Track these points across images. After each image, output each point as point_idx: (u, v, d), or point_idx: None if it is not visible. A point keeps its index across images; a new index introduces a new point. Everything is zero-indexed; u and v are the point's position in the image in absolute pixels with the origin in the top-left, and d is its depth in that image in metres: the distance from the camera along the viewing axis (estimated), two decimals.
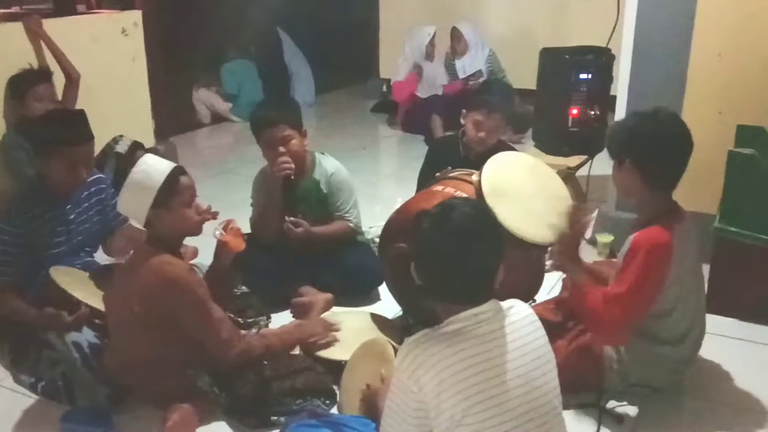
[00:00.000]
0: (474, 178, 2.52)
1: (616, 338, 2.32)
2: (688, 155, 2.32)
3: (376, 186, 4.88)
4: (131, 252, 2.52)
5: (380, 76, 7.34)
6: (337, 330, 2.60)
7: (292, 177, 3.02)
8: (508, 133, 5.47)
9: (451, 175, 2.70)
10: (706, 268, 2.95)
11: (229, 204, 4.01)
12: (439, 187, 2.64)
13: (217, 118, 6.50)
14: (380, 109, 6.88)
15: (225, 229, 2.53)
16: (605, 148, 2.61)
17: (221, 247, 2.55)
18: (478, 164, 2.80)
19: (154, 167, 2.27)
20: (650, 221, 2.32)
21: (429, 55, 6.14)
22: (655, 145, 2.27)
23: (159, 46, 4.93)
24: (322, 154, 3.22)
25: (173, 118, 5.64)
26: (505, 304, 1.73)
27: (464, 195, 2.53)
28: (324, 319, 2.67)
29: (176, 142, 5.44)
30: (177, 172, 2.30)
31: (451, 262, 1.64)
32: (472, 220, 1.66)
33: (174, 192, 2.28)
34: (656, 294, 2.26)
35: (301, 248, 3.05)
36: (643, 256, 2.22)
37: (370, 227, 3.40)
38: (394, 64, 6.63)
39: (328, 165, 3.15)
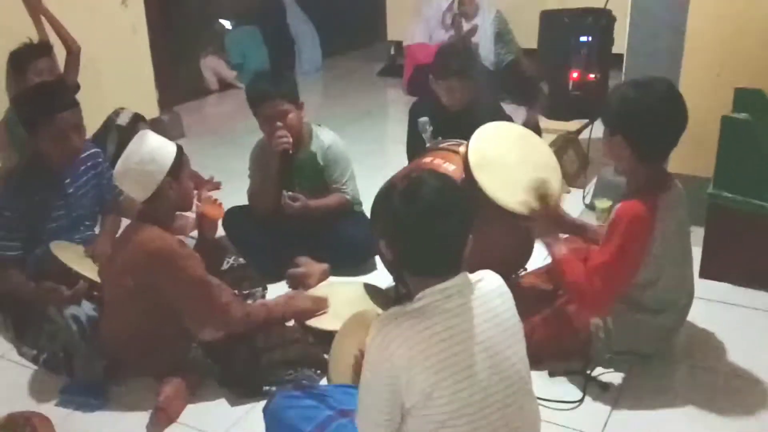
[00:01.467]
0: (461, 149, 2.52)
1: (598, 309, 2.34)
2: (681, 129, 2.29)
3: (382, 153, 4.89)
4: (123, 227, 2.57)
5: (387, 38, 7.27)
6: (326, 306, 2.63)
7: (290, 151, 3.04)
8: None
9: (441, 146, 2.70)
10: (700, 232, 2.96)
11: (232, 173, 4.07)
12: (428, 159, 2.65)
13: (225, 85, 6.51)
14: (387, 73, 6.84)
15: (198, 200, 2.57)
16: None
17: (201, 219, 2.60)
18: (460, 118, 2.91)
19: (162, 141, 2.34)
20: (637, 190, 2.32)
21: (445, 24, 6.04)
22: (648, 119, 2.23)
23: (160, 16, 4.92)
24: (319, 125, 3.23)
25: (179, 87, 5.65)
26: (475, 276, 1.74)
27: (452, 166, 2.55)
28: (314, 297, 2.70)
29: (182, 110, 5.48)
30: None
31: (420, 236, 1.66)
32: (439, 194, 1.67)
33: (182, 163, 2.36)
34: (637, 265, 2.27)
35: (297, 220, 3.09)
36: (623, 228, 2.23)
37: None
38: (401, 26, 6.57)
39: (325, 137, 3.16)
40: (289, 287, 2.99)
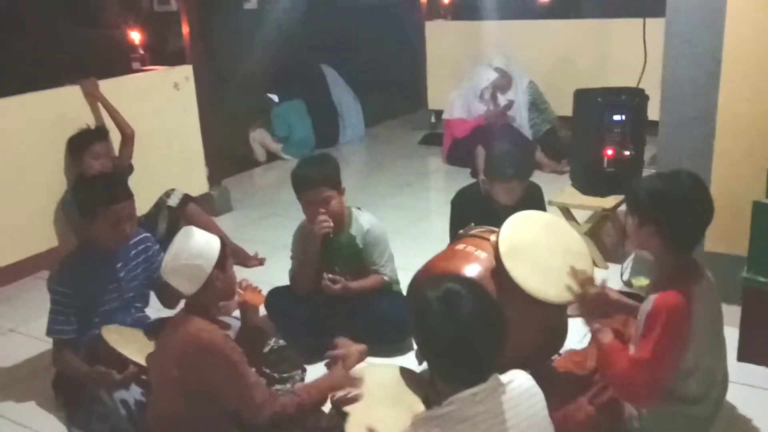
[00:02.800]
0: (492, 237, 2.60)
1: (643, 402, 2.36)
2: (710, 219, 2.34)
3: (423, 223, 4.99)
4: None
5: (429, 107, 7.45)
6: (360, 383, 2.68)
7: (331, 235, 3.17)
8: (549, 162, 5.64)
9: (472, 232, 2.78)
10: (738, 312, 2.95)
11: (277, 246, 4.21)
12: (460, 246, 2.72)
13: (272, 156, 6.75)
14: (429, 141, 7.00)
15: (240, 288, 2.68)
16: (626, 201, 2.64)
17: (243, 307, 2.71)
18: (502, 211, 2.96)
19: (206, 236, 2.44)
20: (669, 282, 2.33)
21: (483, 98, 6.14)
22: (677, 212, 2.29)
23: (210, 95, 5.17)
24: (359, 209, 3.37)
25: (228, 161, 5.89)
26: (506, 377, 1.80)
27: (484, 254, 2.62)
28: (349, 371, 2.74)
29: (231, 182, 5.71)
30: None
31: (453, 352, 1.73)
32: (476, 312, 1.74)
33: (226, 254, 2.47)
34: (679, 357, 2.28)
35: (336, 299, 3.19)
36: (663, 321, 2.24)
37: None
38: (441, 95, 6.74)
39: (364, 221, 3.30)
40: (327, 368, 3.06)
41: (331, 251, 3.24)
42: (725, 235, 3.21)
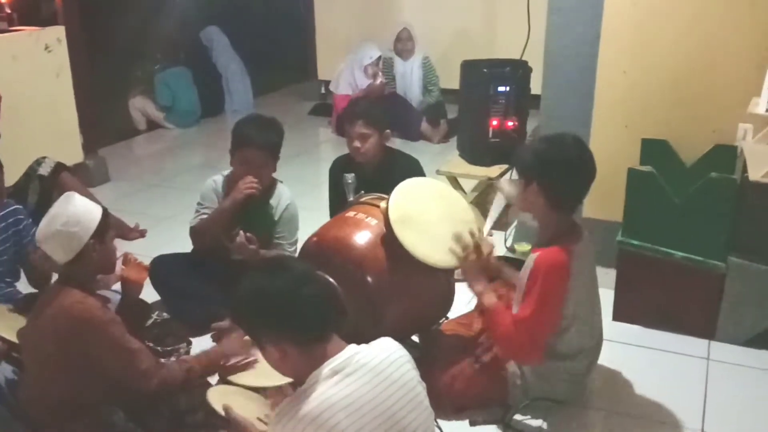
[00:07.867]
0: (382, 204, 2.60)
1: (528, 359, 2.45)
2: (591, 179, 2.43)
3: (313, 195, 4.93)
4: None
5: (318, 77, 7.37)
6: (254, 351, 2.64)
7: (255, 197, 3.10)
8: (433, 131, 5.71)
9: (363, 200, 2.78)
10: (613, 275, 3.11)
11: (157, 219, 4.05)
12: (351, 213, 2.71)
13: (153, 125, 6.47)
14: (318, 112, 6.93)
15: (123, 263, 2.57)
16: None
17: (125, 282, 2.60)
18: (375, 178, 3.01)
19: (87, 203, 2.32)
20: (550, 241, 2.43)
21: (366, 73, 6.13)
22: (561, 170, 2.37)
23: (86, 59, 4.88)
24: (281, 182, 3.30)
25: (105, 129, 5.60)
26: (366, 347, 1.78)
27: (374, 221, 2.62)
28: (242, 338, 2.71)
29: (108, 152, 5.43)
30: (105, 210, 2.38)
31: (290, 301, 1.72)
32: (299, 270, 1.80)
33: (107, 225, 2.35)
34: (559, 312, 2.38)
35: (230, 266, 3.10)
36: (543, 277, 2.33)
37: None
38: (331, 66, 6.69)
39: (285, 196, 3.25)
40: (214, 341, 2.98)
41: (245, 215, 3.14)
42: (602, 202, 3.35)
